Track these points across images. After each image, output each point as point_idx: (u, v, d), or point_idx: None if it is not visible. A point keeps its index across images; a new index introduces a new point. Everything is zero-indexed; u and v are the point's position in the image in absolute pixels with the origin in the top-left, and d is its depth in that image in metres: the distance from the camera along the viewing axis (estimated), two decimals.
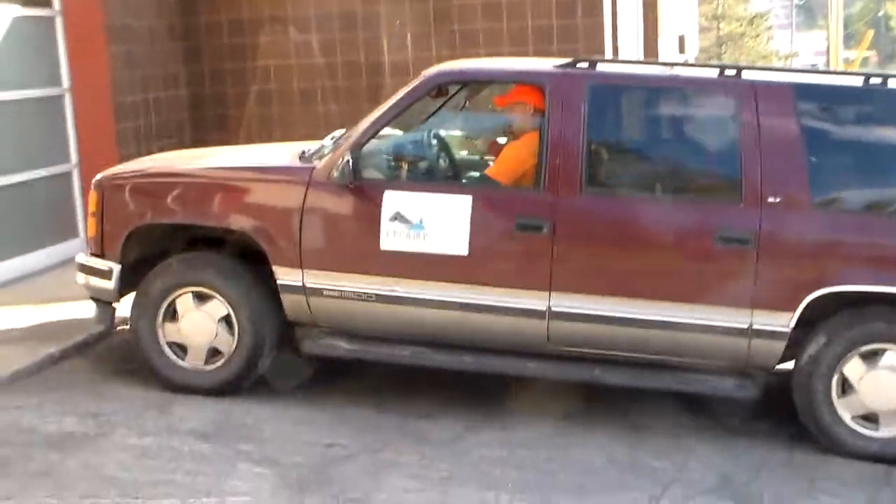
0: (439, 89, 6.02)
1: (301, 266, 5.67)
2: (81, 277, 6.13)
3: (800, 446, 5.42)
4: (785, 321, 5.28)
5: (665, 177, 5.66)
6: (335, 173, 5.60)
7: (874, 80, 5.49)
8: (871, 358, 5.29)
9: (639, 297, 5.41)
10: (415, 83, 5.85)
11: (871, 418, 5.32)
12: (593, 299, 5.44)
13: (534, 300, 5.48)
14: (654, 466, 5.16)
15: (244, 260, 5.87)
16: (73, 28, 9.06)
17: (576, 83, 5.59)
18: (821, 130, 5.45)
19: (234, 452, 5.13)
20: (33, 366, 6.14)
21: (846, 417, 5.33)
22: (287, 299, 5.73)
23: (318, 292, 5.67)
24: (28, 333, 6.70)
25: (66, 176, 9.14)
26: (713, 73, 5.69)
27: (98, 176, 6.22)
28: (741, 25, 50.80)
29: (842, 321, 5.31)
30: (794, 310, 5.26)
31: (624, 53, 11.35)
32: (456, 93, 6.44)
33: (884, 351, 5.26)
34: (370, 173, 5.64)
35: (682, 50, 20.50)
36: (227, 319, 5.80)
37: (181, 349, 5.90)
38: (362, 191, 5.61)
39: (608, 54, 10.31)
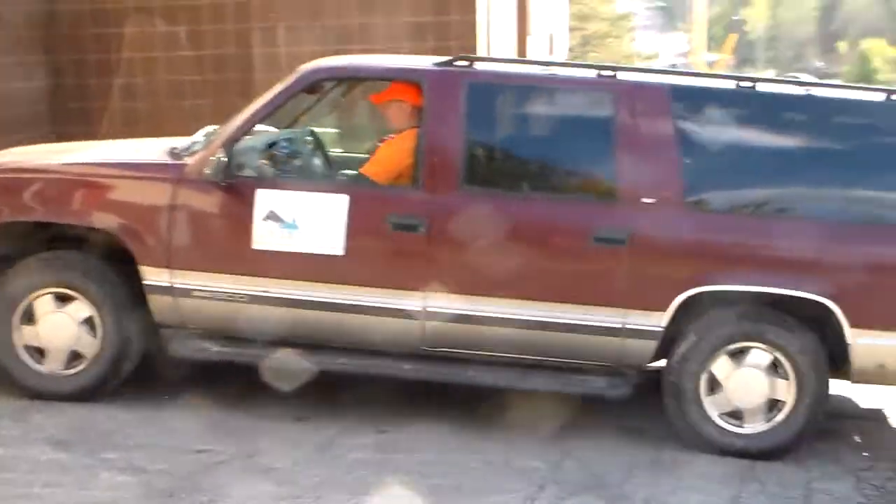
0: (314, 86, 5.90)
1: (169, 266, 5.49)
2: None
3: (669, 444, 5.49)
4: (657, 320, 5.35)
5: (542, 176, 5.68)
6: (207, 170, 5.44)
7: (745, 83, 5.60)
8: (738, 356, 5.40)
9: (515, 297, 5.41)
10: (290, 79, 5.72)
11: (736, 415, 5.43)
12: (469, 299, 5.41)
13: (409, 300, 5.43)
14: (530, 467, 5.15)
15: (109, 259, 5.63)
16: None
17: (454, 81, 5.56)
18: (695, 131, 5.53)
19: (97, 461, 4.91)
20: None
21: (714, 415, 5.43)
22: (154, 300, 5.54)
23: (187, 293, 5.50)
24: None
25: None
26: (591, 73, 5.72)
27: None
28: (606, 25, 51.84)
29: (711, 320, 5.40)
30: (666, 309, 5.33)
31: (497, 52, 11.40)
32: (331, 89, 6.34)
33: (749, 349, 5.38)
34: (243, 171, 5.48)
35: (551, 49, 20.76)
36: (89, 321, 5.57)
37: (39, 353, 5.64)
38: (235, 189, 5.46)
39: (482, 52, 10.34)
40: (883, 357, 5.31)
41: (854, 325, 5.25)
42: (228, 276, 5.49)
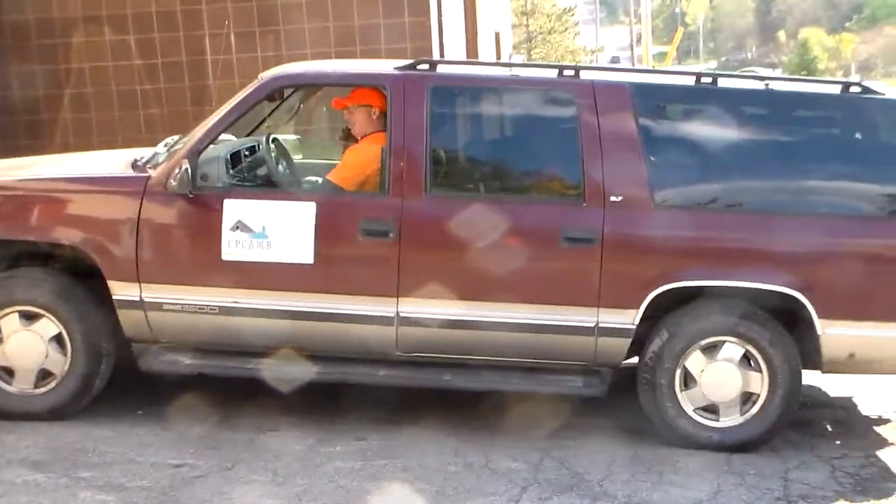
0: (276, 92, 5.86)
1: (138, 280, 5.42)
2: None
3: (646, 440, 5.53)
4: (629, 318, 5.38)
5: (510, 178, 5.69)
6: (172, 182, 5.38)
7: (706, 80, 5.65)
8: (710, 351, 5.44)
9: (487, 300, 5.41)
10: (253, 87, 5.67)
11: (711, 409, 5.48)
12: (441, 303, 5.40)
13: (381, 306, 5.42)
14: (511, 468, 5.16)
15: (76, 275, 5.55)
16: None
17: (417, 85, 5.54)
18: (658, 129, 5.57)
19: (73, 480, 4.84)
20: None
21: (689, 410, 5.48)
22: (124, 315, 5.47)
23: (157, 306, 5.44)
24: None
25: None
26: (552, 74, 5.74)
27: None
28: (549, 21, 52.08)
29: (683, 316, 5.45)
30: (638, 307, 5.37)
31: (449, 52, 11.39)
32: (290, 95, 6.29)
33: (722, 343, 5.43)
34: (209, 181, 5.42)
35: (497, 47, 20.81)
36: (58, 339, 5.49)
37: (7, 373, 5.54)
38: (201, 200, 5.41)
39: (435, 53, 10.33)
40: (853, 347, 5.39)
41: (823, 316, 5.33)
42: (198, 287, 5.43)
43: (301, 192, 5.75)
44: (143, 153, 6.00)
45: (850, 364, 5.48)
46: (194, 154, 5.43)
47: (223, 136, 5.76)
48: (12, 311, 5.49)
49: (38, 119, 10.32)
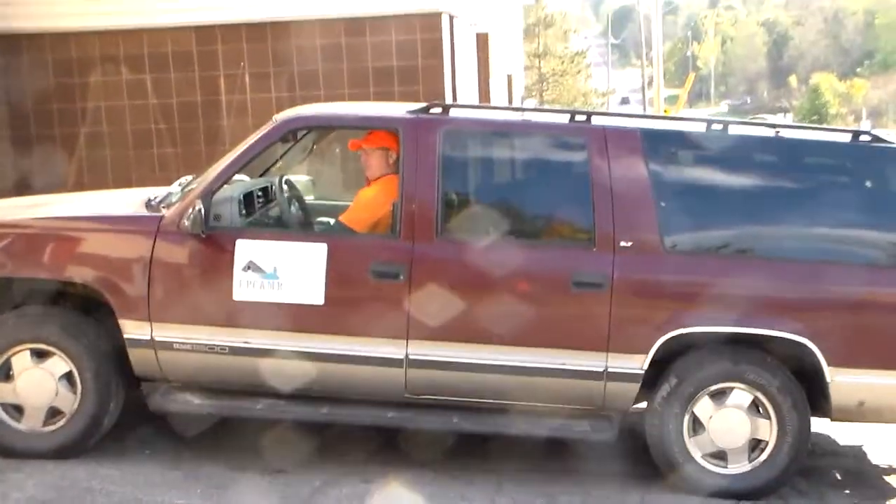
0: (291, 134, 5.91)
1: (150, 319, 5.44)
2: None
3: (654, 486, 5.51)
4: (638, 363, 5.37)
5: (520, 222, 5.71)
6: (186, 222, 5.41)
7: (716, 126, 5.68)
8: (719, 397, 5.43)
9: (496, 343, 5.42)
10: (267, 128, 5.72)
11: (719, 455, 5.46)
12: (451, 346, 5.41)
13: (391, 348, 5.43)
14: None
15: (88, 314, 5.58)
16: None
17: (430, 128, 5.59)
18: (669, 175, 5.59)
19: None
20: None
21: (697, 456, 5.46)
22: (135, 354, 5.49)
23: (167, 346, 5.46)
24: None
25: None
26: (564, 119, 5.78)
27: None
28: (562, 63, 52.40)
29: (692, 362, 5.44)
30: (647, 352, 5.36)
31: (462, 94, 11.48)
32: (303, 137, 6.35)
33: (731, 389, 5.42)
34: (222, 222, 5.47)
35: (509, 89, 20.95)
36: (68, 377, 5.50)
37: (17, 410, 5.55)
38: (214, 240, 5.45)
39: (448, 95, 10.41)
40: (862, 395, 5.38)
41: (832, 363, 5.32)
42: (209, 327, 5.45)
43: (313, 233, 5.78)
44: (156, 192, 6.04)
45: (860, 412, 5.47)
46: (208, 195, 5.47)
47: (236, 177, 5.81)
48: (24, 349, 5.51)
49: (54, 157, 10.40)
